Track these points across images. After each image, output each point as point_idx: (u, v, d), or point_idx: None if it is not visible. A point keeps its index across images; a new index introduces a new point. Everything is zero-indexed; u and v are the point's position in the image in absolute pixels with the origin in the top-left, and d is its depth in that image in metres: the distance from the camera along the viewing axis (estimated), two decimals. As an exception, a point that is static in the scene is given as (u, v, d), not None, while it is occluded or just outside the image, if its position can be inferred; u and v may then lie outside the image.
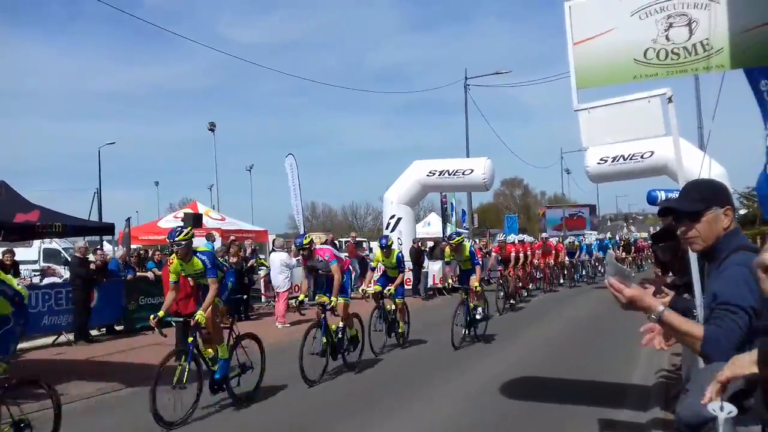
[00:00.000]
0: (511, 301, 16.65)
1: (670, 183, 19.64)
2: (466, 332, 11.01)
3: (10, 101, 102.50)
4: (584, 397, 6.90)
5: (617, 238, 37.02)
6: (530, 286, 20.40)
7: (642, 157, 18.60)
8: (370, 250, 33.11)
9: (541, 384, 7.80)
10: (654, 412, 6.12)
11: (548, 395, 7.07)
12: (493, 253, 19.02)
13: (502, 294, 16.09)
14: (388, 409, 6.78)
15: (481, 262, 12.04)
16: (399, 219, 22.79)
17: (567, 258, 24.69)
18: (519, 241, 19.73)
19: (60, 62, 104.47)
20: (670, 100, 4.44)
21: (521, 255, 18.18)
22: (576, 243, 27.22)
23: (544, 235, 26.03)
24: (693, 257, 3.96)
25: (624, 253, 29.72)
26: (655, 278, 5.07)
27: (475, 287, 11.02)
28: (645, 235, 49.32)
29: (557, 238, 34.42)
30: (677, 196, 2.78)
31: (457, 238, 11.97)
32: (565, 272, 24.79)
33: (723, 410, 1.96)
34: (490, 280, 20.55)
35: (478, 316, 11.22)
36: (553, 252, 23.12)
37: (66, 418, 7.10)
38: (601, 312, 15.38)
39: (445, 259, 12.33)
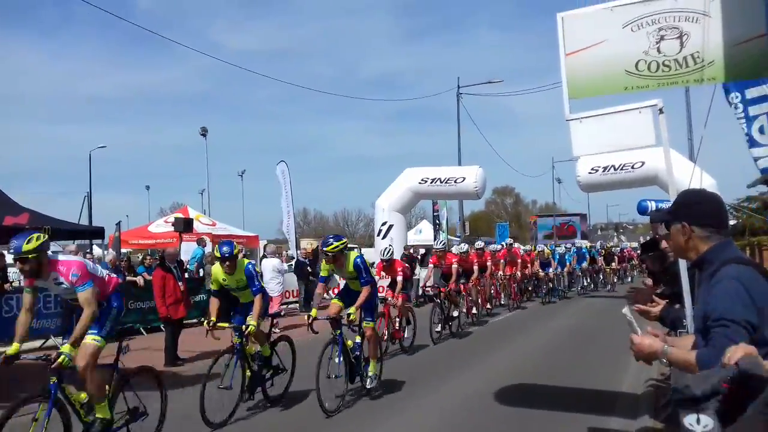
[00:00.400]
0: (449, 324, 13.10)
1: (660, 193, 19.77)
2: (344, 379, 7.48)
3: (1, 104, 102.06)
4: (574, 405, 6.92)
5: (598, 247, 34.78)
6: (488, 306, 16.86)
7: (633, 167, 18.72)
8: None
9: (529, 391, 7.81)
10: (643, 420, 6.14)
11: (537, 403, 7.08)
12: (430, 265, 14.90)
13: (437, 318, 12.66)
14: (372, 420, 6.76)
15: (372, 279, 8.18)
16: (391, 226, 22.81)
17: (540, 269, 21.42)
18: (478, 249, 16.83)
19: (52, 65, 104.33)
20: (661, 111, 4.49)
21: (476, 267, 15.10)
22: (548, 251, 24.11)
23: (508, 241, 22.51)
24: (682, 268, 4.00)
25: (604, 264, 27.99)
26: (645, 288, 5.11)
27: (350, 315, 7.57)
28: (635, 244, 47.65)
29: (530, 246, 32.55)
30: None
31: (336, 244, 7.68)
32: (539, 286, 21.41)
33: (699, 423, 1.96)
34: (426, 298, 17.92)
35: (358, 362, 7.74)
36: (519, 262, 19.82)
37: (52, 422, 7.06)
38: (590, 321, 15.45)
39: (321, 274, 8.23)
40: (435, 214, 29.54)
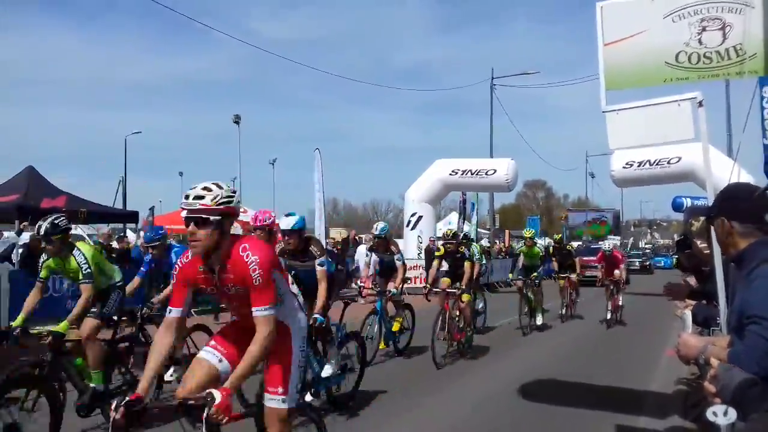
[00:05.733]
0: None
1: (696, 190, 19.39)
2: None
3: (39, 89, 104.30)
4: (601, 403, 6.84)
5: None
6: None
7: (669, 162, 18.39)
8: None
9: (557, 388, 7.74)
10: (672, 419, 6.05)
11: (565, 400, 7.02)
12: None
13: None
14: (394, 412, 6.76)
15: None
16: (420, 217, 22.79)
17: None
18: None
19: (89, 52, 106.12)
20: (700, 104, 4.37)
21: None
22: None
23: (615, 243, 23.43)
24: (718, 265, 3.90)
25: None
26: (683, 285, 5.01)
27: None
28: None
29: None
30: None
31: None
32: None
33: (726, 415, 1.91)
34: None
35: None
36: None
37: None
38: (624, 317, 15.24)
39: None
40: (462, 205, 29.27)
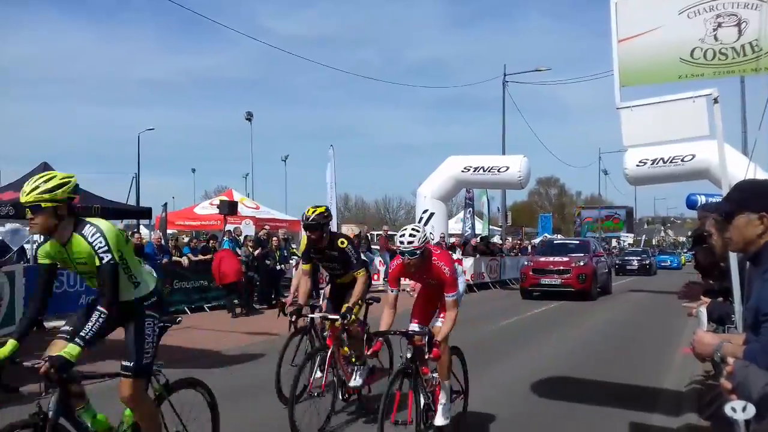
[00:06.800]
0: None
1: (710, 187, 19.23)
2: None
3: (54, 86, 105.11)
4: (615, 400, 6.82)
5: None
6: None
7: (683, 160, 18.22)
8: (402, 244, 33.15)
9: (571, 385, 7.73)
10: (686, 417, 6.02)
11: (579, 396, 7.00)
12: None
13: None
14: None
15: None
16: (432, 214, 22.76)
17: None
18: None
19: (103, 49, 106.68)
20: (716, 101, 4.34)
21: None
22: None
23: None
24: (733, 262, 3.88)
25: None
26: (699, 284, 4.98)
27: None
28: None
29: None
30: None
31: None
32: None
33: (744, 411, 1.91)
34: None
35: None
36: None
37: (102, 394, 7.30)
38: (636, 316, 15.19)
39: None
40: (468, 201, 29.06)
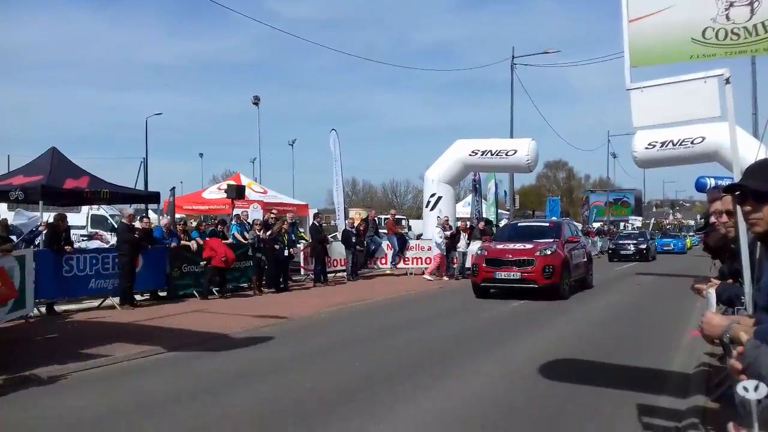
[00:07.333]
0: None
1: (719, 170, 19.13)
2: None
3: (61, 71, 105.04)
4: (623, 382, 6.82)
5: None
6: None
7: (692, 142, 18.10)
8: (409, 227, 33.17)
9: (579, 367, 7.73)
10: (694, 399, 6.01)
11: (586, 378, 7.01)
12: None
13: None
14: (420, 386, 6.81)
15: None
16: (439, 198, 22.74)
17: None
18: None
19: (110, 34, 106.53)
20: (727, 81, 4.29)
21: None
22: None
23: None
24: (744, 244, 3.86)
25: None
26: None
27: None
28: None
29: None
30: (744, 173, 2.62)
31: None
32: None
33: (756, 390, 1.90)
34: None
35: None
36: None
37: (111, 377, 7.39)
38: (642, 299, 15.16)
39: None
40: (475, 185, 28.74)
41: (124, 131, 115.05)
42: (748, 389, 1.82)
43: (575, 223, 20.30)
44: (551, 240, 15.33)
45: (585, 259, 16.92)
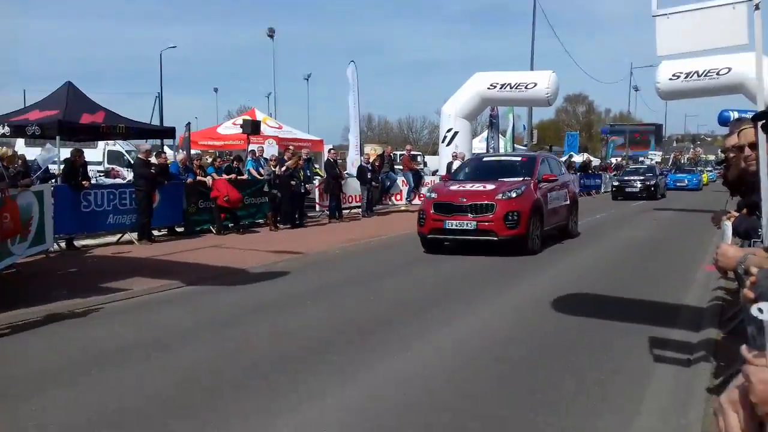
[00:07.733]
0: None
1: (743, 103, 18.63)
2: None
3: (74, 3, 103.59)
4: (635, 316, 6.85)
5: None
6: None
7: (718, 73, 17.60)
8: (425, 163, 33.00)
9: (590, 301, 7.77)
10: (707, 332, 6.04)
11: (598, 313, 7.04)
12: None
13: None
14: (431, 321, 6.89)
15: None
16: (456, 133, 22.49)
17: None
18: None
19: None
20: (757, 7, 4.09)
21: None
22: None
23: None
24: (764, 177, 3.76)
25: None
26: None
27: None
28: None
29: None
30: None
31: None
32: None
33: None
34: None
35: None
36: None
37: (131, 310, 7.54)
38: (657, 233, 15.09)
39: None
40: (493, 119, 28.28)
41: (138, 64, 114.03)
42: (763, 311, 1.80)
43: (557, 158, 16.99)
44: (520, 179, 12.17)
45: (566, 202, 13.67)
